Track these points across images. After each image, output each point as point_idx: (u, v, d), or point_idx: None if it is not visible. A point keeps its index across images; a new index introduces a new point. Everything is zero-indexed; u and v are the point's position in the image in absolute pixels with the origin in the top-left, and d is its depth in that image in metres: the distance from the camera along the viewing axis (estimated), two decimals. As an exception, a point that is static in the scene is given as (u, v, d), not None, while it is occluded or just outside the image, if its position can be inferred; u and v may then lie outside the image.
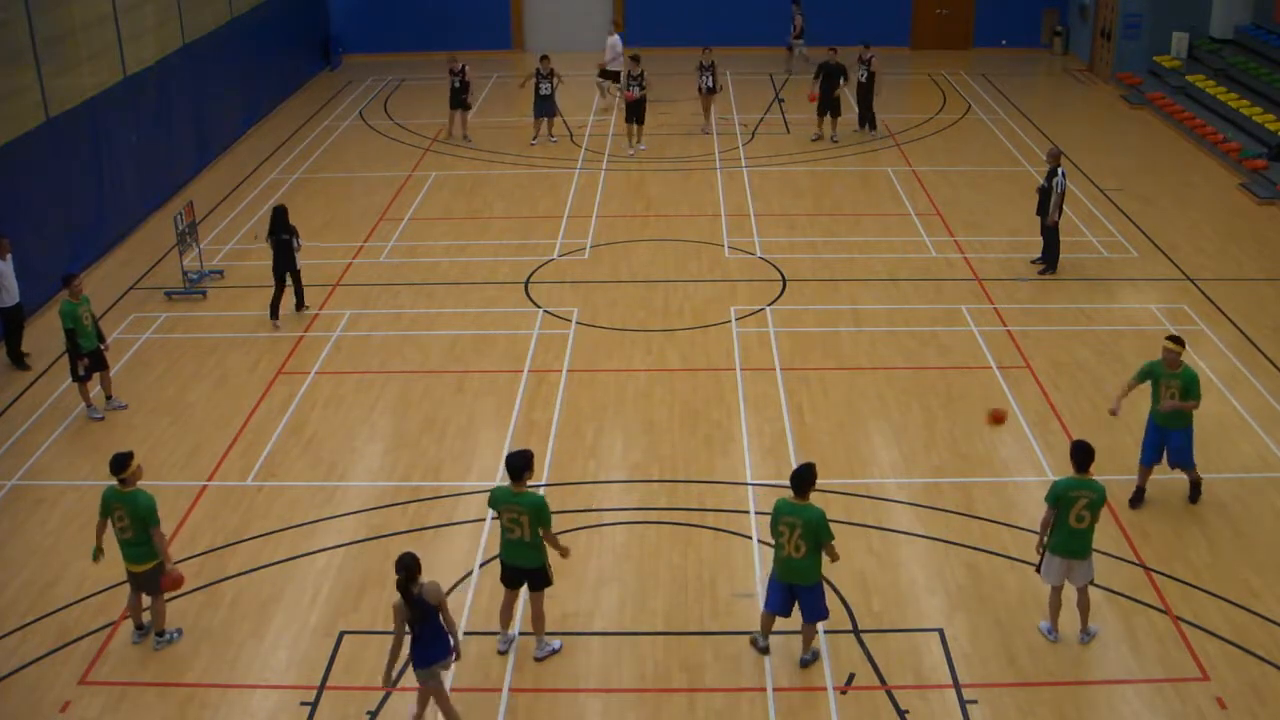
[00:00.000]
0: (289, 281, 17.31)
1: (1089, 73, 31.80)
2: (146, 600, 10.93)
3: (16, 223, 16.78)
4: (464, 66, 25.42)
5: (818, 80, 24.73)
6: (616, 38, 27.62)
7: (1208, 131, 24.97)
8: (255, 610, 11.32)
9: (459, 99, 25.57)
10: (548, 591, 10.61)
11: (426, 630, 9.31)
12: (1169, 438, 12.48)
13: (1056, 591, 10.70)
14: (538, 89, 24.92)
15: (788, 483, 12.93)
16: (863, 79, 25.31)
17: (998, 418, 14.25)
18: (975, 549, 12.04)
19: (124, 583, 11.70)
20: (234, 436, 14.35)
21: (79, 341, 14.43)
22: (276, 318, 17.22)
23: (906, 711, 9.99)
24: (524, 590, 10.63)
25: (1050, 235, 18.47)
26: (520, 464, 10.24)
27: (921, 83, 31.01)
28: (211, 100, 24.86)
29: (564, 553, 10.49)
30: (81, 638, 10.99)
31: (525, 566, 10.44)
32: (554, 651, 10.72)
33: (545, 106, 25.16)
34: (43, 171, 18.20)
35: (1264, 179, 22.35)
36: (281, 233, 17.04)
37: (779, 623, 10.86)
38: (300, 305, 17.57)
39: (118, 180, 20.55)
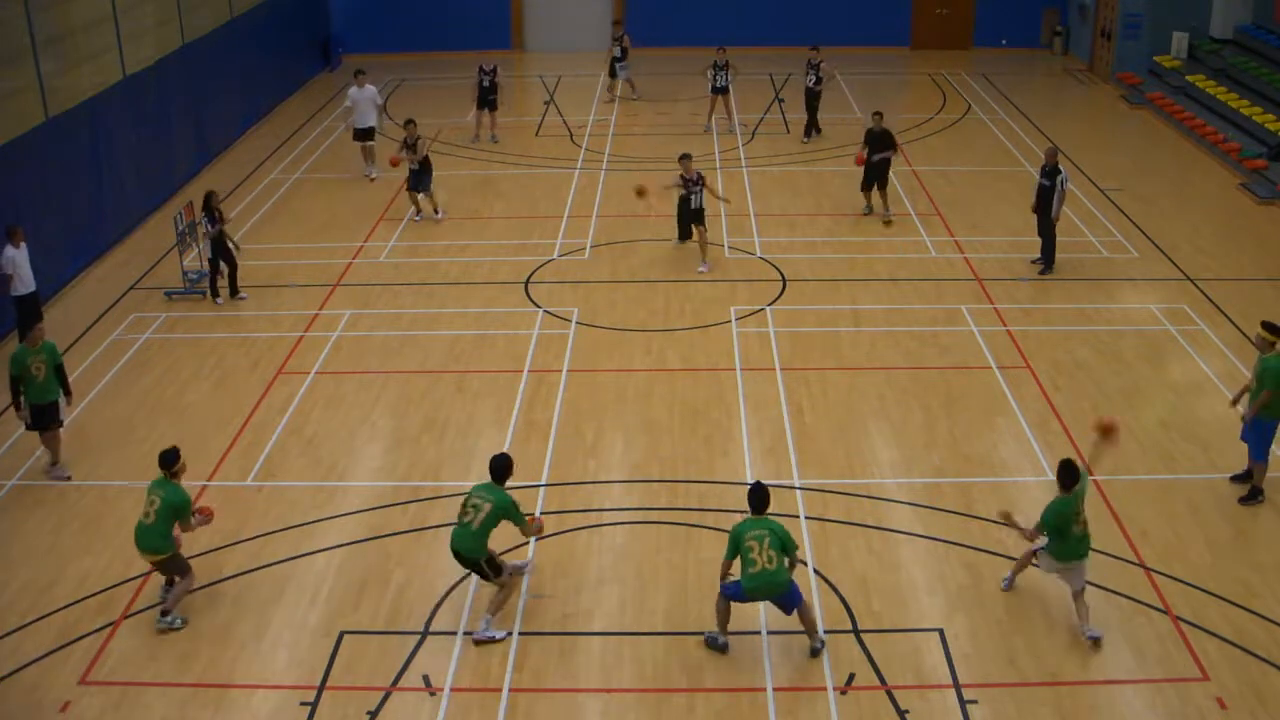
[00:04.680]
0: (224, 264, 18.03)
1: (1089, 73, 31.79)
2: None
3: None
4: (495, 67, 25.35)
5: (865, 147, 20.71)
6: (371, 89, 23.39)
7: (1208, 131, 24.97)
8: (255, 610, 11.32)
9: (487, 99, 25.46)
10: (549, 589, 10.60)
11: None
12: (1253, 424, 12.58)
13: (1030, 557, 11.16)
14: (408, 163, 21.08)
15: (787, 483, 13.07)
16: (811, 83, 25.00)
17: (1107, 431, 11.29)
18: (975, 549, 12.04)
19: (124, 582, 11.74)
20: (234, 436, 14.34)
21: (21, 390, 13.17)
22: (217, 296, 18.08)
23: (906, 711, 9.99)
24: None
25: (1049, 234, 18.48)
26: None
27: (921, 83, 31.01)
28: (211, 100, 24.86)
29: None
30: (81, 638, 10.98)
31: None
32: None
33: (415, 181, 21.06)
34: (43, 171, 18.19)
35: (1264, 179, 22.35)
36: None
37: (779, 623, 10.89)
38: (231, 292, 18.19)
39: (118, 180, 20.55)
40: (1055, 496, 10.65)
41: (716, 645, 10.66)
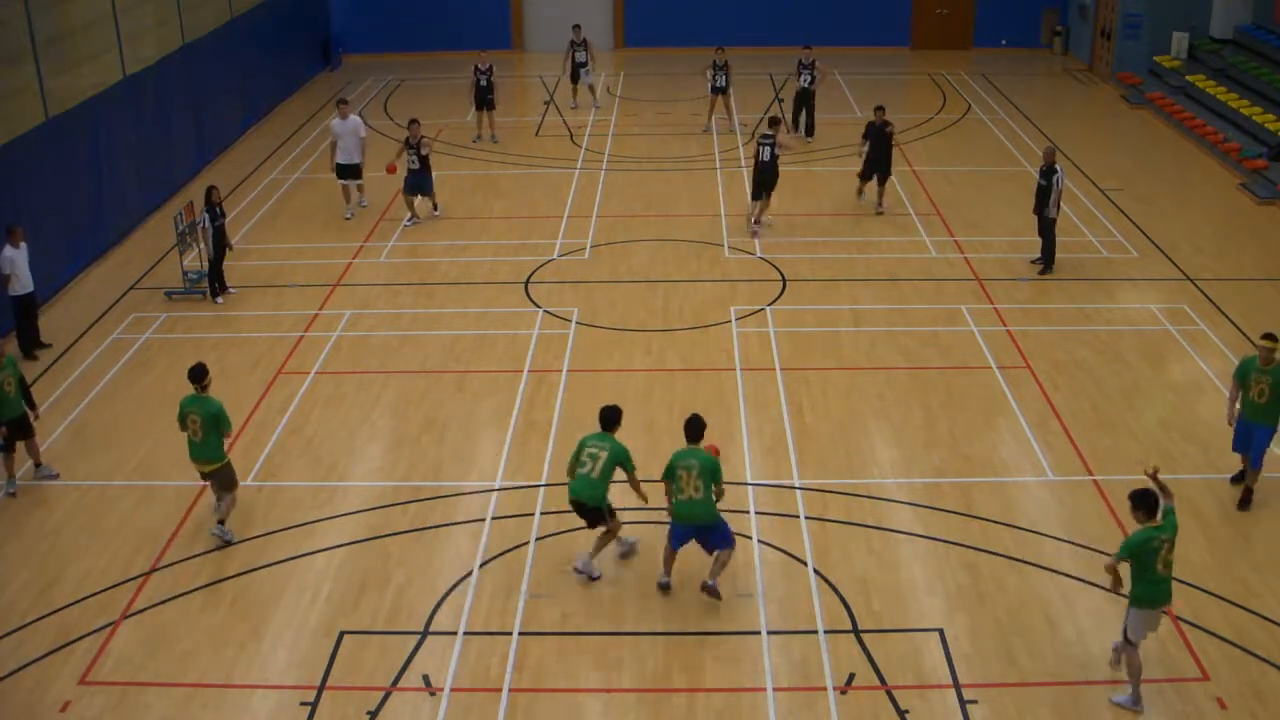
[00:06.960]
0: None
1: (1089, 73, 31.80)
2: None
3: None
4: (490, 66, 25.30)
5: (865, 143, 20.86)
6: (355, 120, 20.91)
7: (1208, 131, 24.98)
8: (255, 610, 11.32)
9: (485, 98, 25.40)
10: (549, 589, 10.60)
11: None
12: (1254, 433, 12.51)
13: (1135, 649, 9.88)
14: (408, 162, 20.41)
15: (787, 483, 13.08)
16: (806, 84, 25.01)
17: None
18: (975, 549, 12.04)
19: (124, 582, 11.75)
20: (234, 436, 14.32)
21: None
22: (217, 296, 18.09)
23: (906, 711, 9.99)
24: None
25: (1049, 234, 18.50)
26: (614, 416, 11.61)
27: (921, 83, 31.01)
28: (211, 100, 24.86)
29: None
30: (81, 638, 10.98)
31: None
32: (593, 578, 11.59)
33: (416, 182, 20.58)
34: (43, 171, 18.19)
35: (1264, 179, 22.35)
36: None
37: (778, 623, 10.90)
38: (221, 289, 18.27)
39: (118, 180, 20.55)
40: (1141, 526, 9.71)
41: (659, 585, 11.33)
